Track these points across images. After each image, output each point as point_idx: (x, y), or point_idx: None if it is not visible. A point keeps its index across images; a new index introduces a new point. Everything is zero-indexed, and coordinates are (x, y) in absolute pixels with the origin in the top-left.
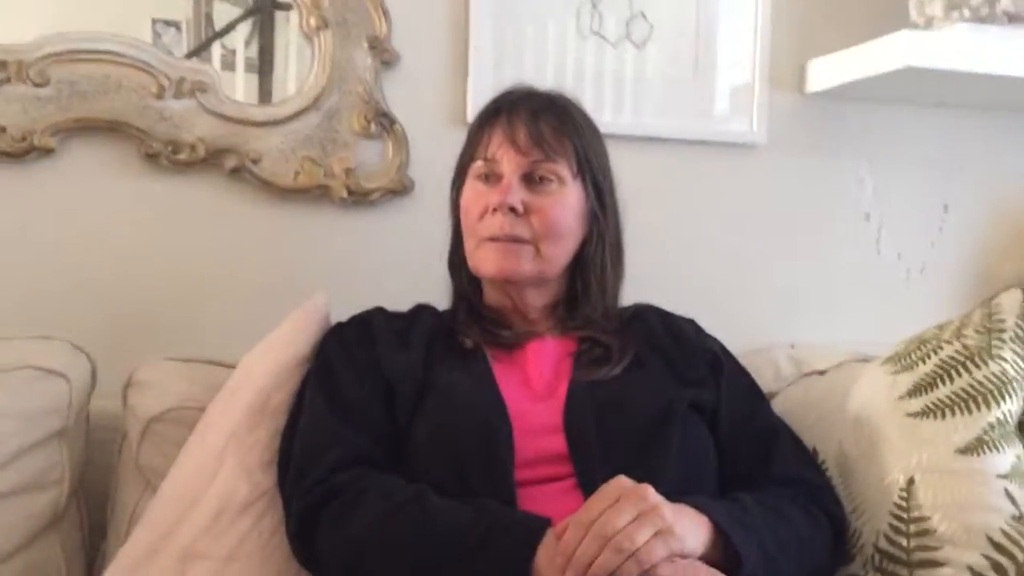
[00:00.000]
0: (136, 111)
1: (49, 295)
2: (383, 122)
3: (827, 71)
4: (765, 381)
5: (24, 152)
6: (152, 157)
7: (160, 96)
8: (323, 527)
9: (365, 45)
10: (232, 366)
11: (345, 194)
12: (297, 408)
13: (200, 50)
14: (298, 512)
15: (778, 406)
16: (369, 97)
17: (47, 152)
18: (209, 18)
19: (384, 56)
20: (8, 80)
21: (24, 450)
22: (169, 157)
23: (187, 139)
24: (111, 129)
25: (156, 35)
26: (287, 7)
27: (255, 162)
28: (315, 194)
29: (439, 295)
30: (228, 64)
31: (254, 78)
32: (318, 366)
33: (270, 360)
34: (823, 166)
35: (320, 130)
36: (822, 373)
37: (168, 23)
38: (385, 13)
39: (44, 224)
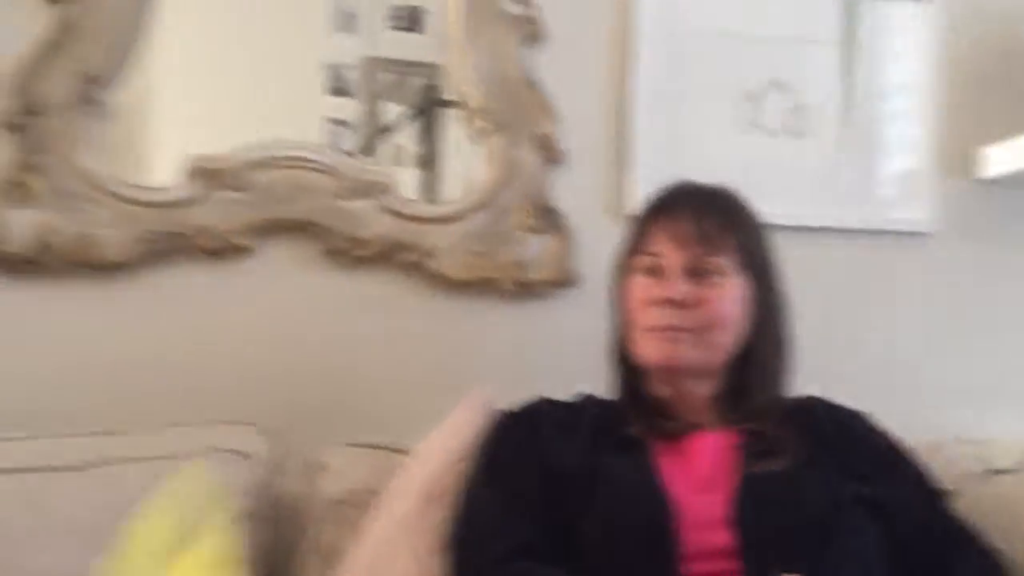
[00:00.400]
0: (321, 211)
1: (241, 382)
2: (549, 217)
3: (1004, 156)
4: (945, 478)
5: (223, 251)
6: (335, 253)
7: (344, 198)
8: None
9: (533, 145)
10: (408, 452)
11: (512, 287)
12: (464, 497)
13: (369, 149)
14: None
15: (964, 505)
16: (536, 194)
17: (244, 251)
18: (377, 117)
19: (551, 154)
20: (212, 187)
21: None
22: (351, 254)
23: (366, 236)
24: (299, 228)
25: (327, 134)
26: (453, 105)
27: (428, 257)
28: (484, 287)
29: (604, 385)
30: (397, 160)
31: (421, 173)
32: (483, 455)
33: (441, 448)
34: (1000, 255)
35: (489, 226)
36: (1011, 472)
37: (338, 122)
38: (551, 113)
39: (239, 316)
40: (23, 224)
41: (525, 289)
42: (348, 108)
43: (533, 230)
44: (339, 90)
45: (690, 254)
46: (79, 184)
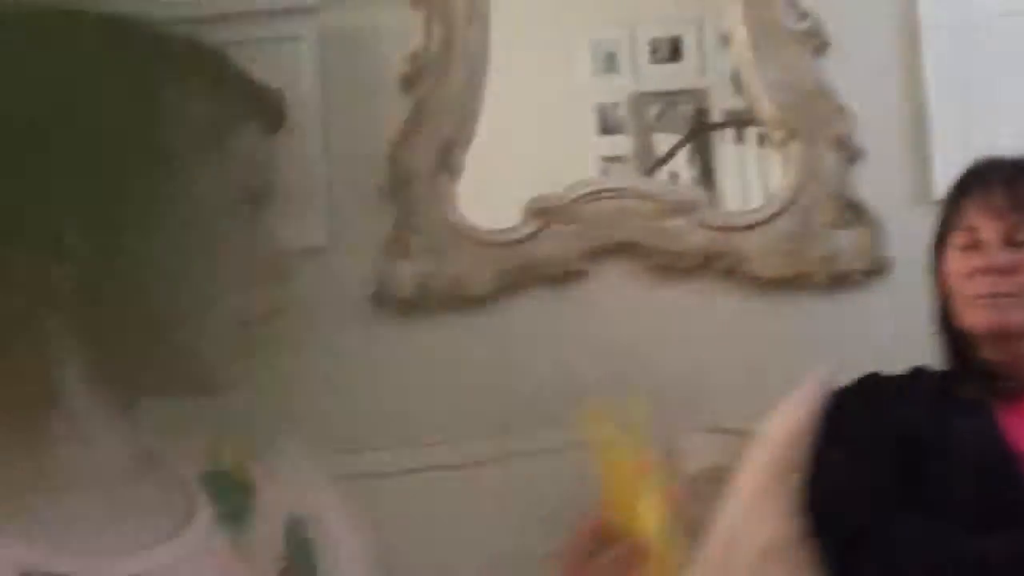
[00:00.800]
0: (644, 232)
1: (592, 386)
2: (854, 210)
3: None
4: None
5: (563, 277)
6: (660, 269)
7: (662, 218)
8: (849, 560)
9: (829, 146)
10: (751, 434)
11: (826, 280)
12: (814, 465)
13: (649, 175)
14: (836, 548)
15: None
16: (838, 191)
17: (580, 275)
18: (651, 148)
19: (848, 152)
20: (548, 223)
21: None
22: (674, 267)
23: (686, 250)
24: (625, 250)
25: (603, 172)
26: (721, 126)
27: (742, 261)
28: (798, 283)
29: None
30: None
31: (698, 190)
32: (829, 425)
33: (785, 426)
34: None
35: (797, 226)
36: None
37: (612, 159)
38: (846, 114)
39: (581, 330)
40: (405, 273)
41: (838, 281)
42: (620, 144)
43: (839, 225)
44: (609, 128)
45: (1006, 223)
46: (445, 235)
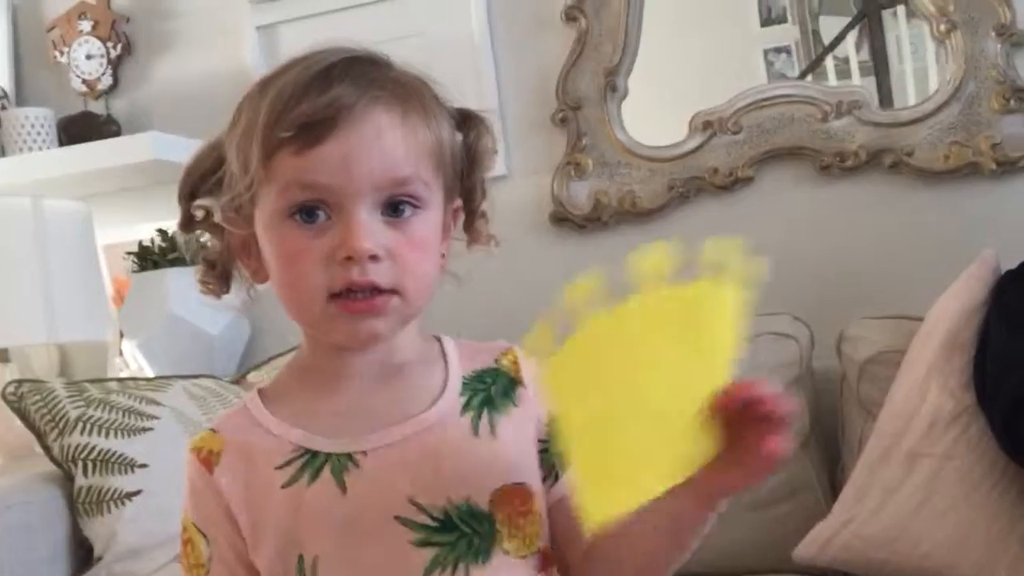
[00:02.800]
0: (808, 135)
1: (770, 282)
2: (1021, 96)
3: None
4: None
5: (732, 184)
6: (825, 169)
7: (824, 120)
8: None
9: (992, 34)
10: (917, 318)
11: (994, 166)
12: (982, 342)
13: (813, 68)
14: (1001, 415)
15: None
16: (1003, 78)
17: (747, 181)
18: (817, 35)
19: (1012, 39)
20: (714, 134)
21: None
22: (838, 166)
23: (850, 148)
24: (791, 154)
25: (768, 64)
26: (893, 4)
27: (908, 155)
28: (965, 172)
29: None
30: (843, 73)
31: (871, 80)
32: (997, 305)
33: (955, 306)
34: None
35: (962, 116)
36: None
37: (778, 50)
38: (1007, 2)
39: (753, 235)
40: (581, 192)
41: (1008, 168)
42: (784, 34)
43: (1006, 111)
44: (773, 18)
45: None
46: (616, 154)
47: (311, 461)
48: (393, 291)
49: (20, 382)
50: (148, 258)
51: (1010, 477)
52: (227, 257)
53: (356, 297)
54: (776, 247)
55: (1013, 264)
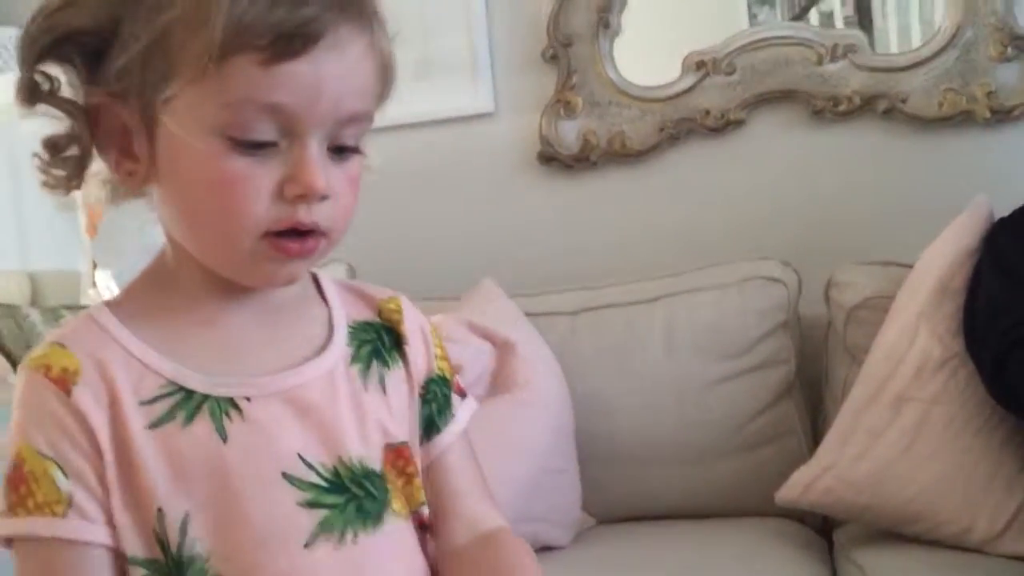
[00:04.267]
0: (802, 79)
1: (755, 227)
2: (1018, 44)
3: None
4: None
5: (723, 127)
6: (818, 113)
7: (819, 63)
8: (1012, 369)
9: None
10: (907, 265)
11: (988, 115)
12: (973, 289)
13: (798, 19)
14: (990, 361)
15: None
16: (1002, 24)
17: (738, 124)
18: None
19: None
20: (707, 74)
21: (760, 337)
22: (831, 111)
23: (844, 93)
24: (784, 97)
25: (752, 16)
26: None
27: (903, 102)
28: (959, 120)
29: None
30: (826, 25)
31: (855, 33)
32: (989, 252)
33: (946, 253)
34: None
35: (959, 63)
36: None
37: (762, 2)
38: None
39: (743, 177)
40: (570, 132)
41: (1002, 116)
42: None
43: (1003, 59)
44: None
45: None
46: (607, 93)
47: (184, 401)
48: (323, 233)
49: None
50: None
51: (995, 423)
52: (86, 144)
53: (291, 237)
54: (766, 192)
55: (1006, 212)
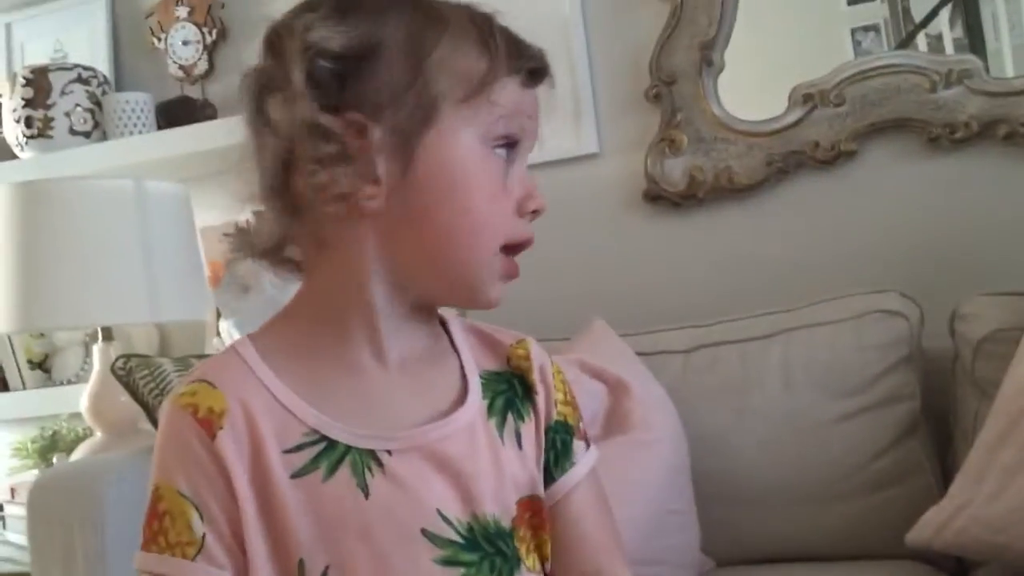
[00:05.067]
0: (915, 107)
1: (874, 260)
2: None
3: None
4: None
5: (834, 159)
6: (933, 141)
7: (933, 90)
8: None
9: None
10: None
11: None
12: None
13: (904, 45)
14: None
15: None
16: None
17: (850, 155)
18: (907, 12)
19: None
20: (815, 107)
21: (882, 373)
22: (948, 138)
23: (961, 120)
24: (897, 126)
25: (856, 43)
26: None
27: (1023, 126)
28: None
29: None
30: (935, 49)
31: (968, 57)
32: None
33: None
34: None
35: None
36: None
37: (866, 29)
38: None
39: (857, 210)
40: (676, 169)
41: None
42: (873, 11)
43: None
44: None
45: None
46: (712, 129)
47: (327, 451)
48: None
49: (128, 357)
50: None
51: None
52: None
53: (511, 256)
54: (882, 223)
55: None
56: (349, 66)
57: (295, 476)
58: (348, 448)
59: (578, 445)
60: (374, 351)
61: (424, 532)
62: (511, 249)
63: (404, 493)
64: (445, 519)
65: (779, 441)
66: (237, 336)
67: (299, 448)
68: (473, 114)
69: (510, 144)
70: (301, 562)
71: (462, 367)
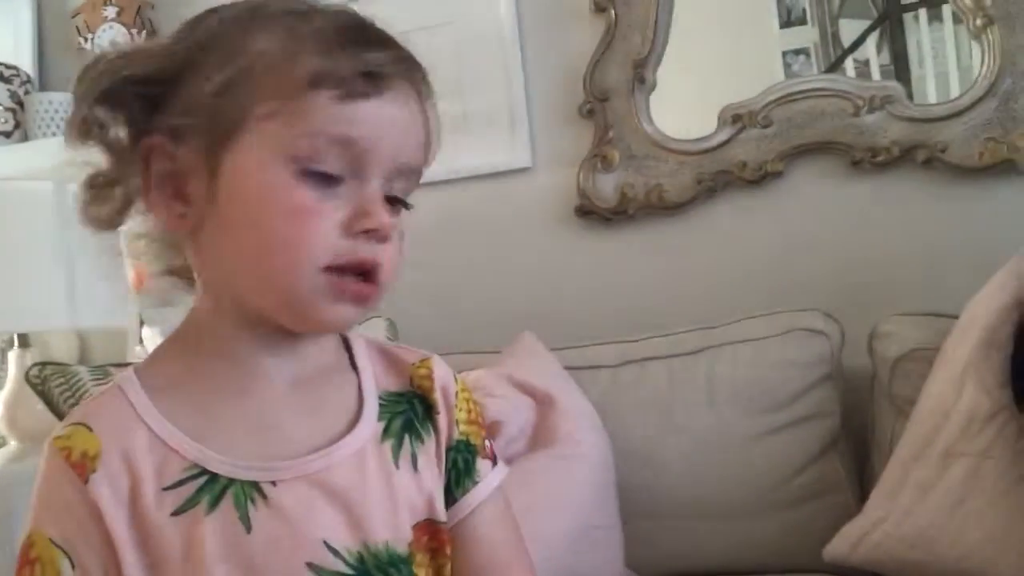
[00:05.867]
0: (840, 130)
1: (795, 279)
2: None
3: None
4: None
5: (761, 178)
6: (856, 164)
7: (856, 114)
8: None
9: None
10: (951, 316)
11: None
12: (1020, 339)
13: (833, 69)
14: None
15: None
16: None
17: (776, 175)
18: (836, 37)
19: None
20: (743, 127)
21: (803, 390)
22: (870, 161)
23: (883, 144)
24: (821, 149)
25: (787, 65)
26: (915, 7)
27: (942, 152)
28: (1001, 169)
29: None
30: (863, 75)
31: (892, 84)
32: None
33: (991, 304)
34: None
35: (998, 112)
36: None
37: (797, 52)
38: None
39: (782, 228)
40: (608, 185)
41: None
42: (804, 35)
43: None
44: (792, 20)
45: None
46: (644, 147)
47: (209, 485)
48: (376, 283)
49: (43, 364)
50: None
51: None
52: (129, 187)
53: (348, 278)
54: (806, 243)
55: None
56: (155, 89)
57: (176, 513)
58: (231, 481)
59: (483, 464)
60: (259, 372)
61: (310, 565)
62: (345, 270)
63: (288, 525)
64: (333, 550)
65: (704, 457)
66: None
67: (180, 484)
68: (276, 132)
69: (332, 163)
70: None
71: (360, 387)
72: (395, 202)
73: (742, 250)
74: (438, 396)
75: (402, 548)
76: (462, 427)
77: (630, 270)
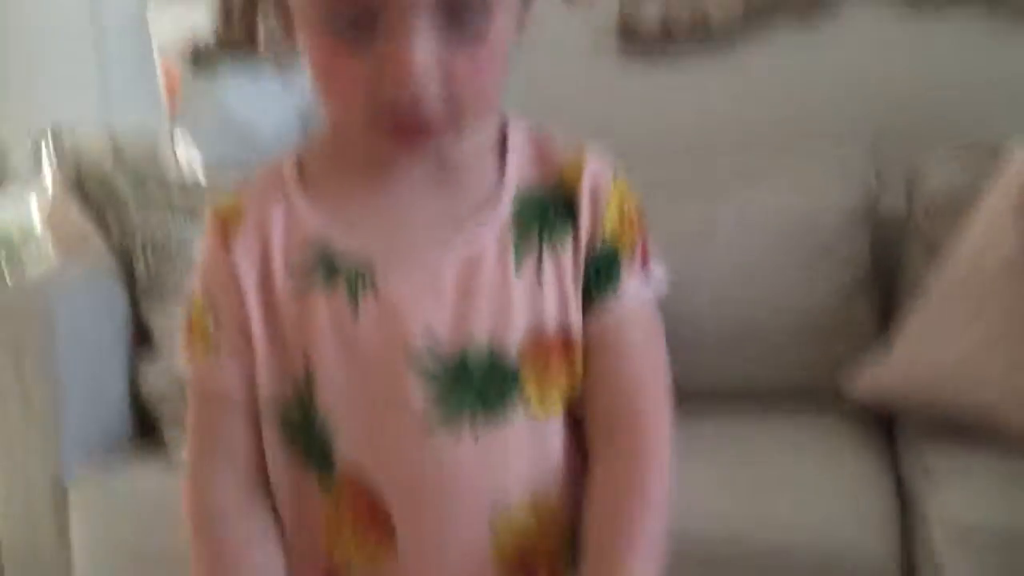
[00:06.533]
0: None
1: (843, 109)
2: None
3: None
4: None
5: (809, 8)
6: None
7: None
8: None
9: None
10: (995, 154)
11: None
12: None
13: None
14: None
15: None
16: None
17: (830, 5)
18: None
19: None
20: None
21: (838, 225)
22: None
23: None
24: None
25: None
26: None
27: None
28: None
29: None
30: None
31: None
32: None
33: None
34: None
35: None
36: None
37: None
38: None
39: (834, 59)
40: (651, 10)
41: None
42: None
43: None
44: None
45: None
46: None
47: (326, 269)
48: (429, 133)
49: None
50: (201, 58)
51: None
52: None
53: (404, 124)
54: (856, 76)
55: None
56: None
57: (295, 286)
58: (347, 267)
59: (629, 274)
60: (395, 167)
61: (409, 358)
62: (393, 125)
63: (392, 317)
64: (434, 348)
65: (735, 282)
66: (192, 148)
67: (301, 265)
68: None
69: (358, 22)
70: (308, 375)
71: (502, 178)
72: (466, 34)
73: (789, 83)
74: (584, 200)
75: (508, 358)
76: (609, 233)
77: (675, 98)
